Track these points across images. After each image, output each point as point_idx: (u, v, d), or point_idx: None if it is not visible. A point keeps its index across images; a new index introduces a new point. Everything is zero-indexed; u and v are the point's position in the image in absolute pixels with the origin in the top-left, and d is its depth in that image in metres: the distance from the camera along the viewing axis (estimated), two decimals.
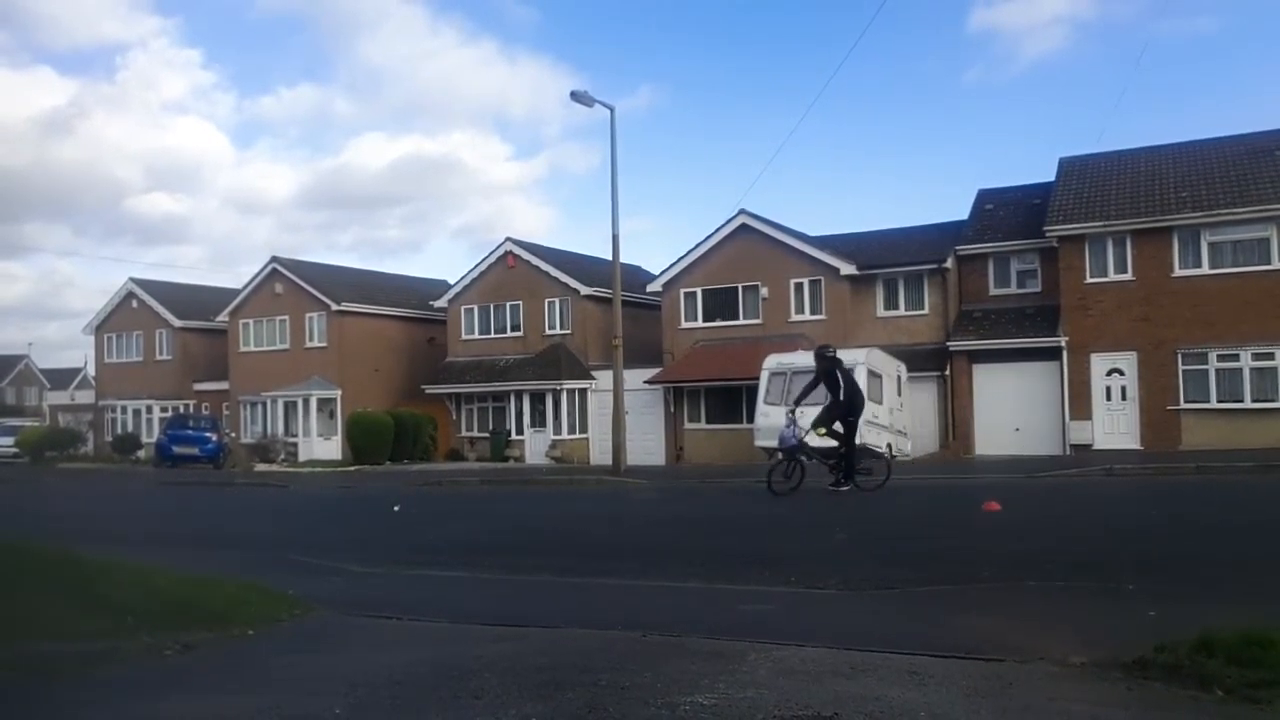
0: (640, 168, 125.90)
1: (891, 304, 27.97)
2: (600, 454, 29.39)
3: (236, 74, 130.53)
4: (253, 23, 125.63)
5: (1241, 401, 22.53)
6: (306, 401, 34.38)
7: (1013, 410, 25.07)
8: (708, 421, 28.83)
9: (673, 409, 29.37)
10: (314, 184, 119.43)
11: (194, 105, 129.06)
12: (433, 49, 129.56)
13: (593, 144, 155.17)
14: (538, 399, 31.63)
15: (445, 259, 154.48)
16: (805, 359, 24.67)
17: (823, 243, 29.54)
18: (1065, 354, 24.32)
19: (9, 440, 41.79)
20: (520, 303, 33.72)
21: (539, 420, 31.61)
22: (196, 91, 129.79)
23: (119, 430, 39.16)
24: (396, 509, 14.71)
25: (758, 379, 24.33)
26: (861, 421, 22.75)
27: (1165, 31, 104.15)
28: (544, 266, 33.25)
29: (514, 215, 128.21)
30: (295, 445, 34.16)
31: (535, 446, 31.34)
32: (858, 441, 22.38)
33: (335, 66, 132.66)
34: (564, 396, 31.04)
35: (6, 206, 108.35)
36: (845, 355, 23.97)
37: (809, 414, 22.70)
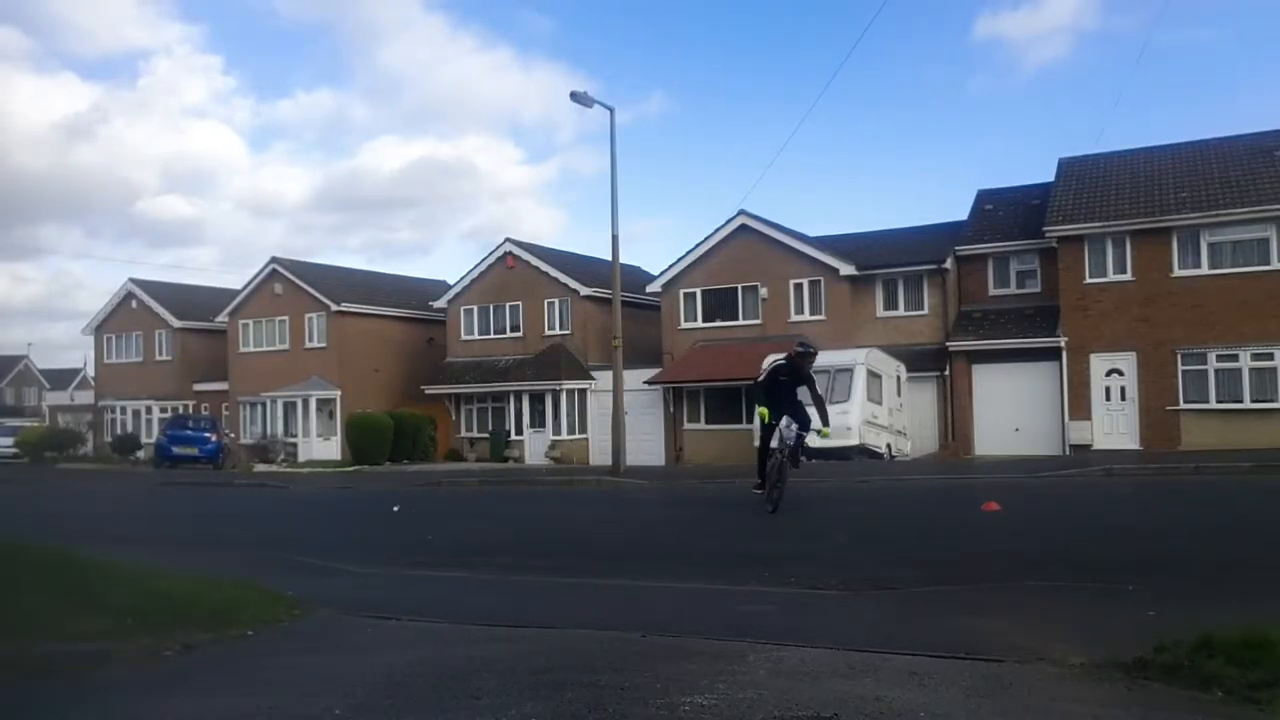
0: (651, 171, 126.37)
1: (891, 304, 27.95)
2: (600, 454, 29.37)
3: (256, 79, 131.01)
4: (275, 29, 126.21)
5: (1241, 402, 22.53)
6: (306, 402, 34.35)
7: (1012, 410, 25.07)
8: (707, 422, 28.80)
9: (672, 409, 29.35)
10: (327, 187, 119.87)
11: (213, 110, 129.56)
12: (450, 55, 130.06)
13: (603, 148, 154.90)
14: (537, 399, 31.61)
15: (454, 261, 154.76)
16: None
17: (822, 243, 29.53)
18: (1065, 354, 24.31)
19: (8, 441, 41.72)
20: (520, 303, 33.69)
21: (538, 421, 31.59)
22: (216, 96, 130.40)
23: (118, 431, 39.09)
24: (396, 509, 14.71)
25: (757, 379, 24.30)
26: (861, 421, 22.85)
27: (1165, 39, 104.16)
28: (543, 267, 33.24)
29: (523, 218, 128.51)
30: (295, 446, 34.13)
31: (535, 447, 31.32)
32: (857, 442, 22.48)
33: (353, 71, 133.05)
34: (563, 397, 31.02)
35: (23, 209, 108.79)
36: (845, 355, 24.08)
37: (809, 414, 22.77)
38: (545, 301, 33.14)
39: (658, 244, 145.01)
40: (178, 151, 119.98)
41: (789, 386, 11.75)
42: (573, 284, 32.45)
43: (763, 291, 28.54)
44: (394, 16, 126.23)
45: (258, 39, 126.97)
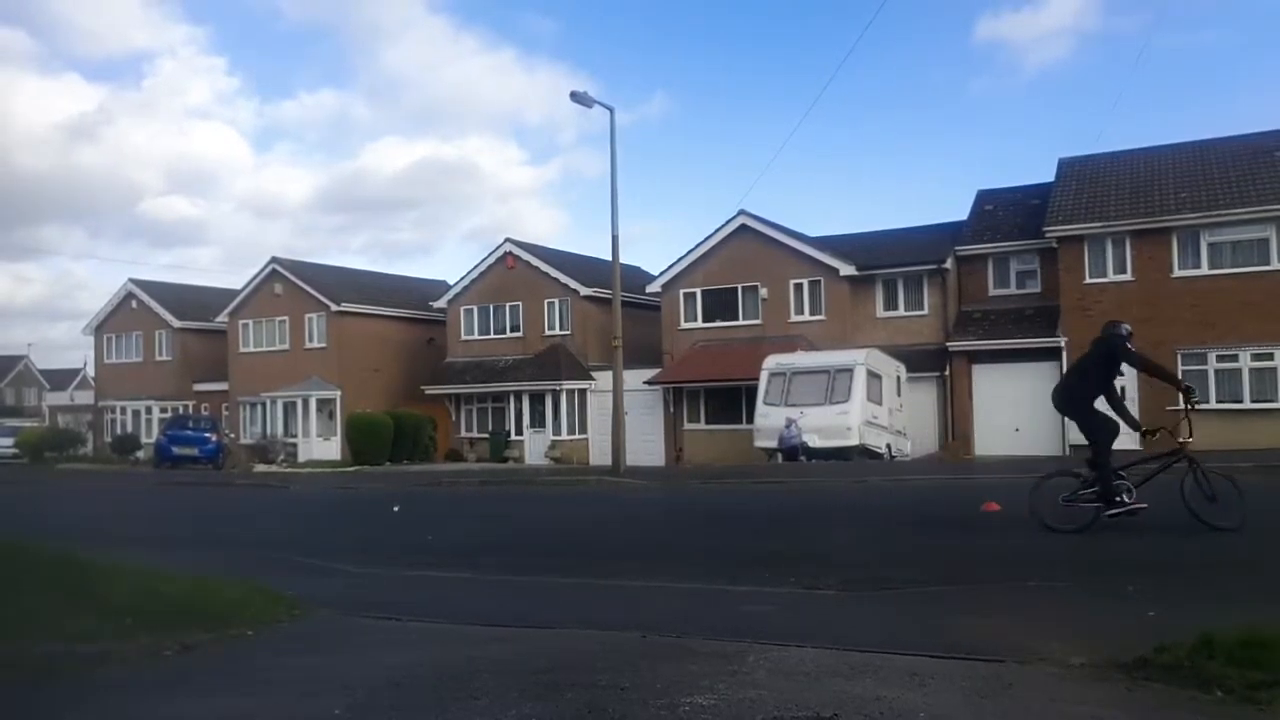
0: (653, 172, 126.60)
1: (891, 304, 27.96)
2: (600, 455, 29.37)
3: (260, 80, 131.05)
4: (279, 31, 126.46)
5: (1241, 402, 22.52)
6: (306, 402, 34.35)
7: (1012, 410, 25.05)
8: (707, 422, 28.81)
9: (672, 410, 29.35)
10: (330, 187, 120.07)
11: (217, 111, 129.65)
12: (452, 56, 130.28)
13: (604, 149, 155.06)
14: (537, 400, 31.61)
15: (456, 261, 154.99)
16: (805, 359, 24.71)
17: (822, 243, 29.53)
18: (1065, 354, 24.26)
19: (8, 441, 41.69)
20: (520, 303, 33.70)
21: (538, 421, 31.60)
22: (220, 97, 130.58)
23: (118, 431, 39.10)
24: (396, 510, 14.71)
25: (757, 380, 24.31)
26: (861, 422, 22.82)
27: (1165, 40, 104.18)
28: (543, 267, 33.24)
29: (525, 218, 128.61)
30: (295, 446, 34.13)
31: (535, 447, 31.32)
32: (858, 442, 22.45)
33: (357, 73, 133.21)
34: (563, 397, 31.02)
35: (26, 210, 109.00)
36: (845, 355, 24.09)
37: (810, 414, 22.76)
38: (545, 301, 33.15)
39: (658, 245, 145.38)
40: (181, 152, 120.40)
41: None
42: (573, 284, 32.45)
43: (763, 292, 28.55)
44: (397, 18, 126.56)
45: (262, 40, 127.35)
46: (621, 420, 22.46)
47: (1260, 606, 4.94)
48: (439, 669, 4.46)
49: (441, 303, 35.32)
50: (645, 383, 28.77)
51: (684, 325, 29.96)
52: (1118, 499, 8.97)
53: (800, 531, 11.00)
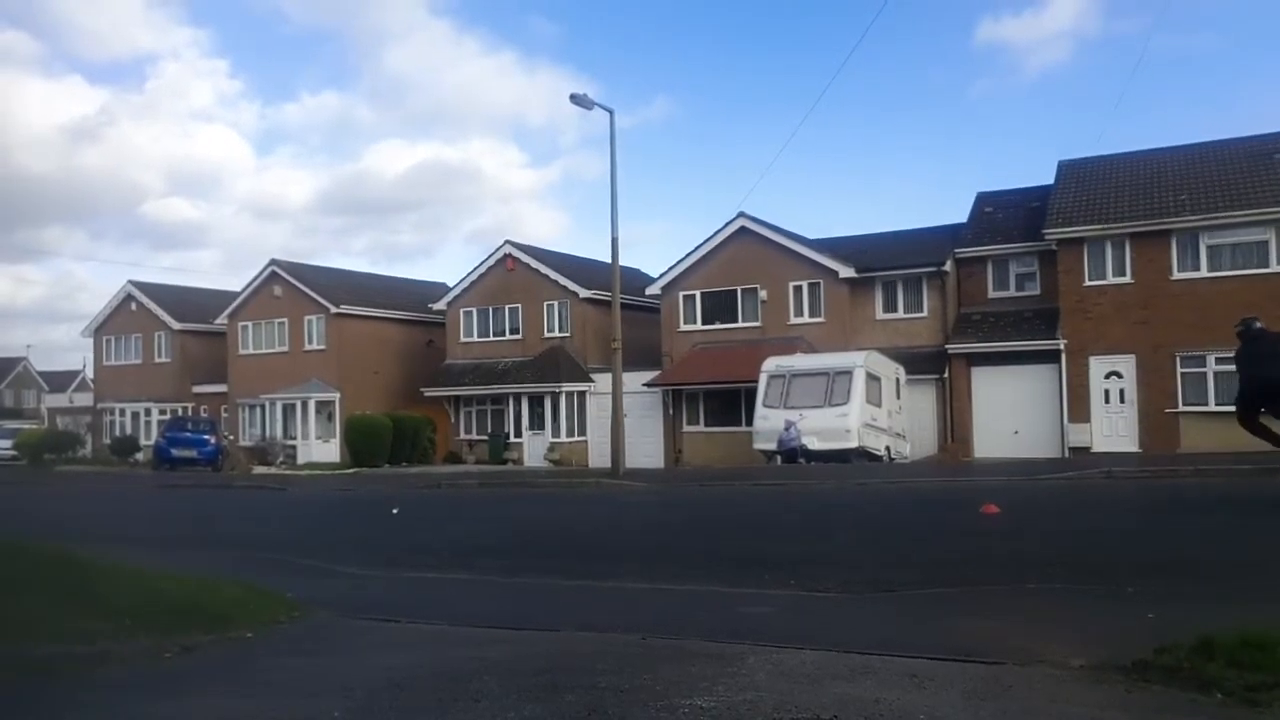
0: (654, 175, 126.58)
1: (890, 307, 27.95)
2: (599, 457, 29.35)
3: (262, 82, 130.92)
4: (281, 33, 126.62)
5: None
6: (305, 404, 34.33)
7: (1011, 413, 25.06)
8: (706, 424, 28.80)
9: (671, 412, 29.34)
10: (332, 189, 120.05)
11: (219, 113, 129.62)
12: (455, 59, 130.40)
13: (605, 151, 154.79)
14: (536, 401, 31.61)
15: (457, 264, 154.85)
16: (804, 361, 24.71)
17: (822, 245, 29.54)
18: (1064, 357, 24.31)
19: (7, 443, 41.65)
20: (519, 305, 33.68)
21: (538, 423, 31.59)
22: (222, 100, 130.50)
23: (117, 433, 39.07)
24: (395, 511, 14.71)
25: (757, 382, 24.31)
26: (860, 424, 22.81)
27: (1165, 43, 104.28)
28: (543, 269, 33.24)
29: (527, 220, 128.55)
30: (294, 448, 34.11)
31: (534, 449, 31.31)
32: (857, 444, 22.42)
33: (359, 75, 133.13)
34: (563, 399, 31.02)
35: (28, 212, 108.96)
36: (844, 357, 24.08)
37: (809, 417, 22.76)
38: (545, 304, 33.13)
39: (659, 247, 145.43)
40: (184, 154, 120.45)
41: None
42: (572, 286, 32.44)
43: (762, 294, 28.55)
44: (400, 20, 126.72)
45: (264, 43, 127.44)
46: (621, 422, 22.45)
47: (1260, 607, 4.95)
48: (439, 670, 4.46)
49: (441, 305, 35.31)
50: (645, 385, 28.76)
51: (683, 327, 29.96)
52: None
53: (799, 534, 11.01)
